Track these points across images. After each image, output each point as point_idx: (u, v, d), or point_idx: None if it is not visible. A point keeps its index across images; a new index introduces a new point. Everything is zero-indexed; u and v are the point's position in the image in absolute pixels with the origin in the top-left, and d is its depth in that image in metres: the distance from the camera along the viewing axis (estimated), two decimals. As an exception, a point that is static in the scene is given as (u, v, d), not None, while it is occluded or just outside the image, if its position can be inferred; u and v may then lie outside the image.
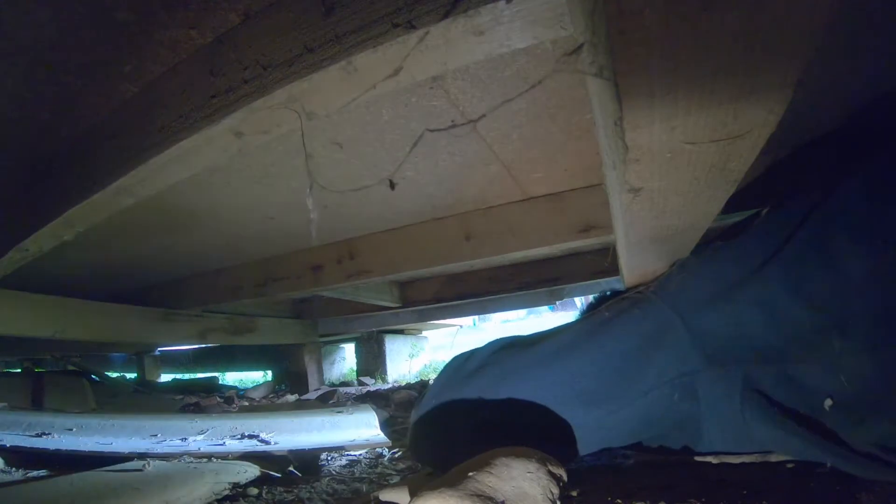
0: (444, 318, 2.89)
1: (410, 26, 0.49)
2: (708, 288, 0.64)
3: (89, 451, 0.88)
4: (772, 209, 0.64)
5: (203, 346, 2.96)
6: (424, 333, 3.74)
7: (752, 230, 0.64)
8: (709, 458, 0.61)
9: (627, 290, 0.92)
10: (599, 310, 0.77)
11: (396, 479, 0.78)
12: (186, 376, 3.26)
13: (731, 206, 0.52)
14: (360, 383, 2.82)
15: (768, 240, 0.60)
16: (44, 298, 1.44)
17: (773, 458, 0.58)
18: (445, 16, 0.47)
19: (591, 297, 1.06)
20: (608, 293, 1.02)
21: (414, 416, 0.71)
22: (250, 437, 0.91)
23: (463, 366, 0.73)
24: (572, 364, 0.66)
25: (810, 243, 0.56)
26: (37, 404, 1.74)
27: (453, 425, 0.68)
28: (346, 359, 3.42)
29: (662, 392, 0.62)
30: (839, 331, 0.53)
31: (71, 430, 0.90)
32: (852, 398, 0.52)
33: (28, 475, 0.86)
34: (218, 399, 2.21)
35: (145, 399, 2.21)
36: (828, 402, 0.53)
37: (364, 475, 0.83)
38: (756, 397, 0.57)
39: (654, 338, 0.65)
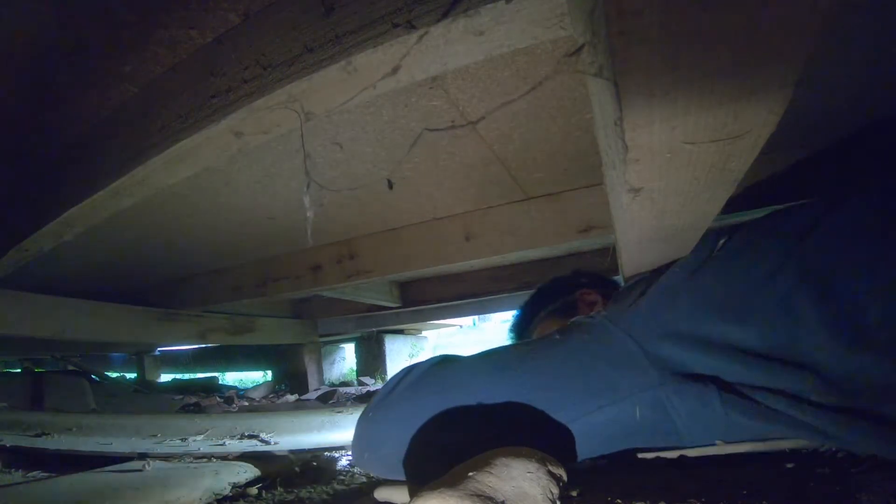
0: (444, 318, 2.89)
1: (410, 26, 0.49)
2: (668, 319, 0.59)
3: (89, 451, 0.87)
4: (732, 237, 0.59)
5: (203, 346, 2.96)
6: (424, 333, 3.74)
7: (714, 262, 0.59)
8: (709, 452, 0.60)
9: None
10: (550, 333, 0.73)
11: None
12: (186, 376, 3.25)
13: (731, 206, 0.52)
14: (360, 383, 2.82)
15: (732, 276, 0.56)
16: (44, 298, 1.44)
17: (773, 446, 0.58)
18: (445, 16, 0.47)
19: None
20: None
21: (358, 426, 0.68)
22: (250, 437, 0.91)
23: (403, 378, 0.68)
24: (513, 380, 0.63)
25: (780, 296, 0.51)
26: (37, 404, 1.74)
27: (388, 436, 0.64)
28: (346, 359, 3.42)
29: (621, 407, 0.59)
30: (815, 382, 0.49)
31: (71, 430, 0.90)
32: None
33: (27, 475, 0.86)
34: (218, 399, 2.21)
35: (145, 399, 2.21)
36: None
37: (364, 475, 0.83)
38: (737, 399, 0.54)
39: (606, 357, 0.61)
